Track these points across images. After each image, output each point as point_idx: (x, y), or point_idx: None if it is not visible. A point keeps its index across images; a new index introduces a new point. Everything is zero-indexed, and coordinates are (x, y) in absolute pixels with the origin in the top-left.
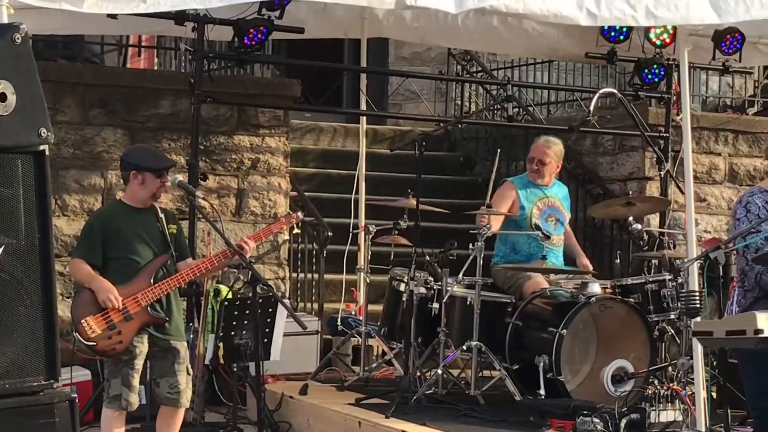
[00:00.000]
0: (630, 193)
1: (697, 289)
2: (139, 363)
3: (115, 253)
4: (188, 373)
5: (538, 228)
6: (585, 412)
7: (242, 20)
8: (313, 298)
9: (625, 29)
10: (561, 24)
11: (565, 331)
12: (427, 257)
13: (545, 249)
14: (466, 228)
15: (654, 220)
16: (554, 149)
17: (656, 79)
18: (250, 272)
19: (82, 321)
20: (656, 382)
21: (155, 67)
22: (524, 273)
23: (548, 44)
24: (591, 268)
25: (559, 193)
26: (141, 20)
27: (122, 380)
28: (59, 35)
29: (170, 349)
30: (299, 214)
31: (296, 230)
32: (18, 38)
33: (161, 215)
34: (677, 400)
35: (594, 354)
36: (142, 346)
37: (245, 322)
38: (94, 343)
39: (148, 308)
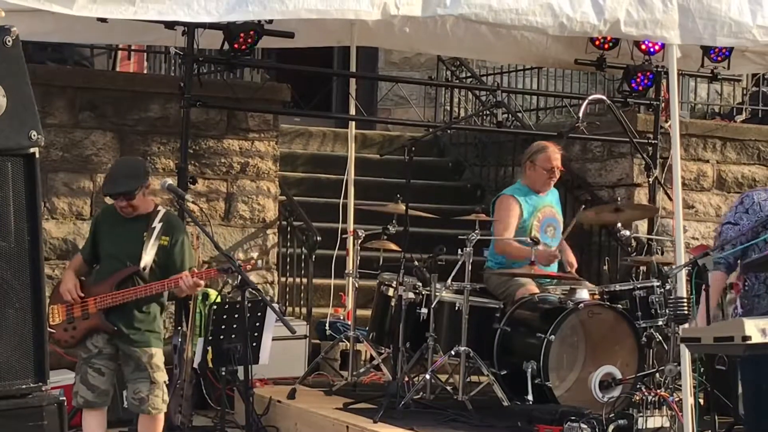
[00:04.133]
0: (618, 199)
1: (685, 295)
2: (98, 363)
3: (100, 252)
4: (152, 382)
5: (536, 241)
6: (573, 417)
7: (232, 24)
8: (302, 302)
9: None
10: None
11: (553, 336)
12: (416, 262)
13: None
14: (455, 233)
15: (642, 226)
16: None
17: (645, 86)
18: (239, 276)
19: (51, 306)
20: (644, 388)
21: (145, 71)
22: (517, 280)
23: (537, 51)
24: (575, 263)
25: (553, 200)
26: (131, 28)
27: (81, 378)
28: None
29: (132, 356)
30: (259, 262)
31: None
32: (9, 41)
33: (156, 225)
34: (665, 407)
35: (582, 360)
36: (104, 348)
37: (234, 326)
38: (53, 331)
39: (102, 314)
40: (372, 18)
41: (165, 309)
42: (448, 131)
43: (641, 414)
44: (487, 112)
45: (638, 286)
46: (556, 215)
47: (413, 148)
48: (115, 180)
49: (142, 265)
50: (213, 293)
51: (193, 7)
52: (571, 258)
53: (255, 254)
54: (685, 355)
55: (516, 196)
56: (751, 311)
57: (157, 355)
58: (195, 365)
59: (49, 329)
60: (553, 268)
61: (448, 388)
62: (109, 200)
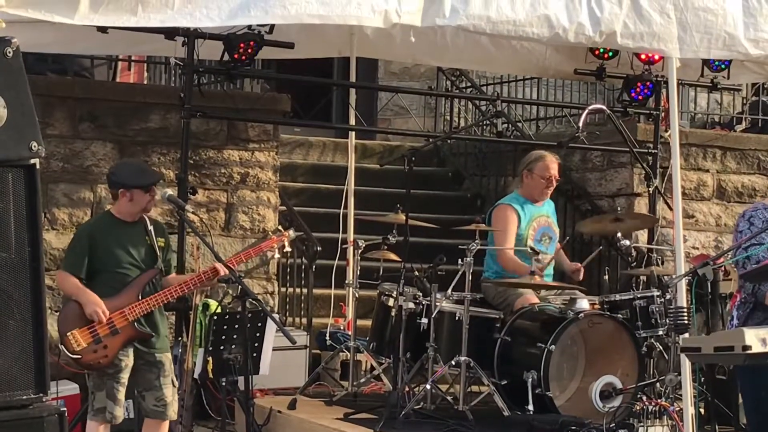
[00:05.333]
0: (618, 209)
1: (685, 305)
2: (124, 376)
3: (101, 266)
4: (173, 386)
5: (532, 249)
6: (573, 427)
7: (232, 35)
8: (302, 312)
9: None
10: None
11: (553, 346)
12: (416, 272)
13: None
14: (455, 243)
15: (642, 236)
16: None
17: (645, 96)
18: (239, 287)
19: (68, 334)
20: (644, 398)
21: (145, 82)
22: (515, 290)
23: (537, 61)
24: (579, 266)
25: (549, 210)
26: (131, 39)
27: (107, 393)
28: None
29: (155, 363)
30: (291, 232)
31: (287, 248)
32: (9, 52)
33: (150, 227)
34: (665, 416)
35: (582, 370)
36: (128, 360)
37: (234, 336)
38: (80, 356)
39: (135, 323)
40: (373, 24)
41: None
42: (448, 141)
43: (642, 424)
44: (487, 122)
45: (638, 295)
46: (552, 225)
47: (413, 158)
48: (146, 171)
49: (158, 266)
50: (213, 303)
51: (195, 15)
52: (572, 264)
53: (283, 228)
54: (686, 364)
55: (513, 205)
56: (745, 322)
57: None
58: (195, 376)
59: (74, 356)
60: (549, 278)
61: (449, 398)
62: (108, 206)
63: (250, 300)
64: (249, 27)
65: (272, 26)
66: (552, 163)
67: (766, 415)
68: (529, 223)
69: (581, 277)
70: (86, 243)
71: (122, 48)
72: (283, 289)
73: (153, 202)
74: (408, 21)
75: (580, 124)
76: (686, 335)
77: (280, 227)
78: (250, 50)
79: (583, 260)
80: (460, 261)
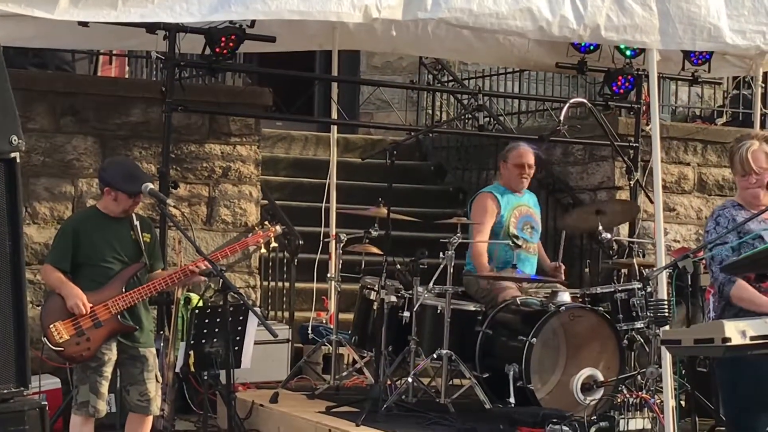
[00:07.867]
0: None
1: (665, 297)
2: (107, 370)
3: (86, 259)
4: (157, 381)
5: (515, 237)
6: (554, 420)
7: (214, 29)
8: (284, 306)
9: None
10: None
11: (534, 339)
12: (398, 266)
13: (520, 256)
14: (437, 237)
15: (623, 229)
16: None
17: (626, 89)
18: (220, 280)
19: (51, 326)
20: (625, 390)
21: (126, 76)
22: (498, 284)
23: (519, 54)
24: (560, 266)
25: (530, 201)
26: (113, 33)
27: (90, 387)
28: None
29: (139, 357)
30: (277, 227)
31: (273, 244)
32: None
33: (136, 223)
34: (646, 408)
35: (563, 362)
36: (111, 354)
37: (216, 330)
38: (62, 349)
39: (118, 316)
40: (353, 20)
41: None
42: (430, 135)
43: (623, 416)
44: (469, 116)
45: (619, 288)
46: (534, 216)
47: (395, 152)
48: (135, 176)
49: (143, 261)
50: (195, 297)
51: (175, 10)
52: (552, 264)
53: (267, 224)
54: (666, 357)
55: (493, 193)
56: (722, 314)
57: None
58: (177, 369)
59: (56, 348)
60: (533, 272)
61: (431, 391)
62: (92, 201)
63: (232, 293)
64: (230, 21)
65: (253, 20)
66: (526, 151)
67: (743, 408)
68: (510, 211)
69: (563, 276)
70: (71, 237)
71: (104, 42)
72: (265, 283)
73: (135, 207)
74: (388, 16)
75: (562, 118)
76: (667, 328)
77: (267, 222)
78: (231, 44)
79: (564, 257)
80: (441, 254)
